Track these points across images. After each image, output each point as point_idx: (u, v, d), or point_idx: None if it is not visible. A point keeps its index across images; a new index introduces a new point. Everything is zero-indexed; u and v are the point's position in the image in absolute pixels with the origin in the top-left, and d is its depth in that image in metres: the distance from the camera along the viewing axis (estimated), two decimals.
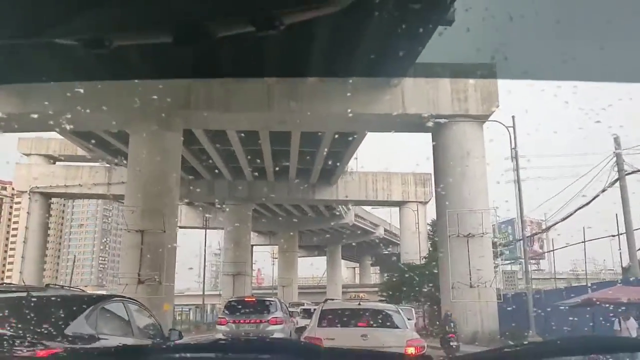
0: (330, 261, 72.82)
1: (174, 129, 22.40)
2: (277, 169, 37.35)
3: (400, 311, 9.39)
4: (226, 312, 17.39)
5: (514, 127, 18.40)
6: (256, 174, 39.11)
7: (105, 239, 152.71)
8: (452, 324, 18.58)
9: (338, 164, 34.43)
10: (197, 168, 38.24)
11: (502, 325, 20.93)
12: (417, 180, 41.15)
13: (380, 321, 8.89)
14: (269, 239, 69.75)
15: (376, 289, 47.52)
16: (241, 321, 16.34)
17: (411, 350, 7.38)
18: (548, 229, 29.57)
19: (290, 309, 29.27)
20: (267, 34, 1.58)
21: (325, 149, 31.63)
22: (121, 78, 4.27)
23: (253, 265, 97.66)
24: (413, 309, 28.08)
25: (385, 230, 77.12)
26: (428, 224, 42.17)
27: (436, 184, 22.33)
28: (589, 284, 19.70)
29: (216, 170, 38.99)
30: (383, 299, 37.93)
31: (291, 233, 56.22)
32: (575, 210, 22.20)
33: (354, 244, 74.38)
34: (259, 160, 36.26)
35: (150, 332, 6.35)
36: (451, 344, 17.29)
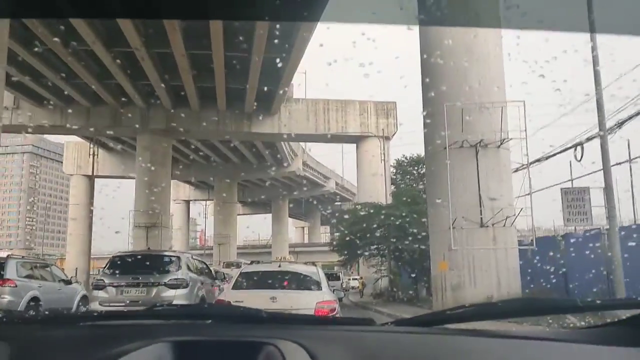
0: (275, 217, 65.41)
1: None
2: (200, 88, 28.85)
3: (321, 273, 8.71)
4: (107, 271, 12.45)
5: None
6: (177, 107, 30.85)
7: (32, 198, 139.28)
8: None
9: (280, 78, 26.03)
10: (97, 90, 29.31)
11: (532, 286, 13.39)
12: (378, 109, 33.15)
13: (295, 283, 8.58)
14: (208, 193, 62.26)
15: (326, 248, 40.26)
16: (125, 284, 12.00)
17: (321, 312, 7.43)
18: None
19: (223, 270, 23.23)
20: None
21: (261, 52, 23.18)
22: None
23: (198, 225, 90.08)
24: (342, 272, 28.89)
25: (337, 184, 71.12)
26: (392, 166, 34.53)
27: (423, 68, 14.18)
28: None
29: (124, 98, 30.28)
30: (340, 258, 30.67)
31: (228, 181, 47.96)
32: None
33: (302, 199, 67.38)
34: (177, 82, 27.87)
35: None
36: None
